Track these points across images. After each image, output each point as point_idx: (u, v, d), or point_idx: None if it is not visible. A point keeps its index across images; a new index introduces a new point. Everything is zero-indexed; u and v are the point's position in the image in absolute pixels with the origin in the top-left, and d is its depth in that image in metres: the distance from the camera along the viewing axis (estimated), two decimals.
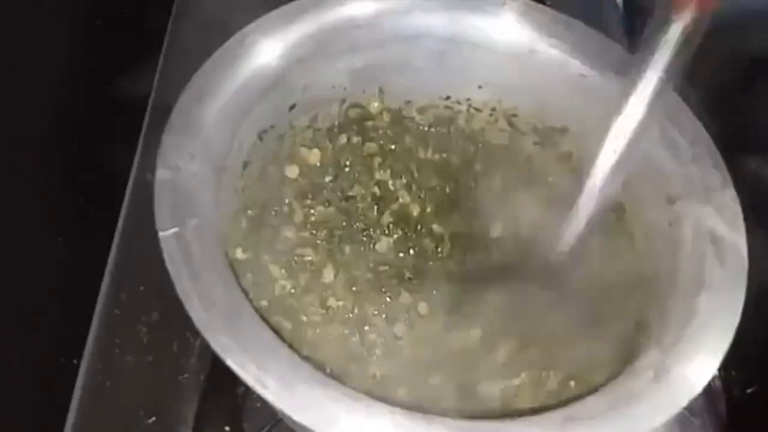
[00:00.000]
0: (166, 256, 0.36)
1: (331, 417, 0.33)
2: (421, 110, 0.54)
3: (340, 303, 0.49)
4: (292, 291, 0.48)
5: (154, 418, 0.55)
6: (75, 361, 0.57)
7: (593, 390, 0.37)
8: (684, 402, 0.35)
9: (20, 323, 0.51)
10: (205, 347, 0.34)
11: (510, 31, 0.50)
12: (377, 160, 0.52)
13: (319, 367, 0.40)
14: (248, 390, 0.33)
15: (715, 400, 0.53)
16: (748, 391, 0.56)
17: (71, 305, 0.58)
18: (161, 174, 0.39)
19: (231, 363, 0.33)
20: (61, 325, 0.57)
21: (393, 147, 0.53)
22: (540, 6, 0.50)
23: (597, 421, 0.34)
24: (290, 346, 0.35)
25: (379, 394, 0.35)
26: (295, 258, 0.49)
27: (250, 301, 0.37)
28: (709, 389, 0.53)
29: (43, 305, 0.54)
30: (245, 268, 0.45)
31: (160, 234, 0.36)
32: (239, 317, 0.35)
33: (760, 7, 0.59)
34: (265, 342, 0.35)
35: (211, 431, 0.54)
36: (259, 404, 0.54)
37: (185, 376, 0.57)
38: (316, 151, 0.50)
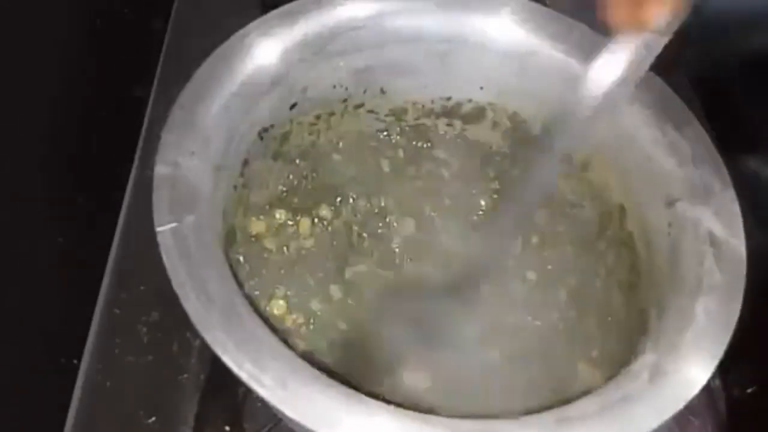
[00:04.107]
0: (163, 251, 0.36)
1: (327, 414, 0.33)
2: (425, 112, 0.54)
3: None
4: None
5: (154, 418, 0.54)
6: (75, 361, 0.57)
7: (588, 391, 0.36)
8: (679, 405, 0.35)
9: (20, 323, 0.51)
10: (205, 347, 0.34)
11: (510, 32, 0.50)
12: None
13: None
14: (249, 390, 0.33)
15: (715, 400, 0.53)
16: (748, 391, 0.56)
17: (71, 305, 0.58)
18: (160, 170, 0.39)
19: (226, 359, 0.33)
20: (61, 325, 0.57)
21: None
22: (540, 7, 0.50)
23: (591, 423, 0.34)
24: (286, 342, 0.35)
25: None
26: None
27: (247, 297, 0.37)
28: (709, 389, 0.53)
29: (43, 305, 0.54)
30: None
31: (158, 229, 0.36)
32: (236, 313, 0.35)
33: (761, 7, 0.59)
34: (261, 338, 0.35)
35: (211, 431, 0.54)
36: (259, 404, 0.54)
37: (185, 376, 0.56)
38: None
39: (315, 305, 0.47)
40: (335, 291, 0.48)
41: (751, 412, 0.55)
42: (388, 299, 0.49)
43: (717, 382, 0.54)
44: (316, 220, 0.50)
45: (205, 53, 0.45)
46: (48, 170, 0.56)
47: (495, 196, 0.53)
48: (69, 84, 0.58)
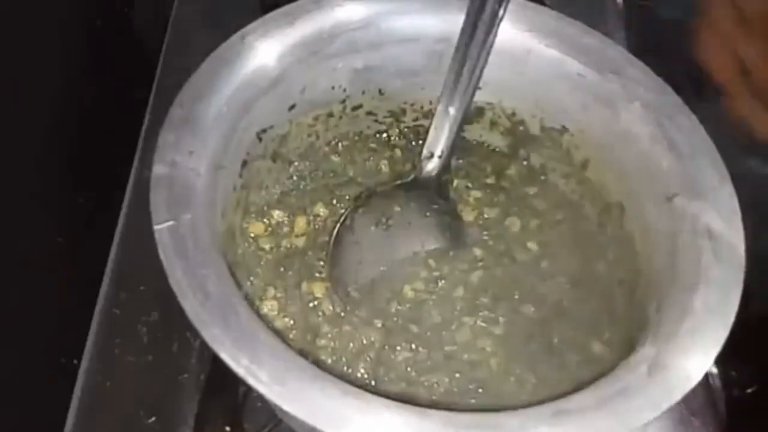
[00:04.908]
0: (160, 248, 0.36)
1: (324, 409, 0.33)
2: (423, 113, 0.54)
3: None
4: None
5: (154, 418, 0.55)
6: (75, 361, 0.57)
7: (585, 384, 0.36)
8: (677, 397, 0.35)
9: (20, 323, 0.51)
10: (205, 347, 0.34)
11: (508, 32, 0.49)
12: None
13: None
14: (249, 390, 0.34)
15: (715, 400, 0.53)
16: (748, 391, 0.56)
17: (71, 305, 0.58)
18: (158, 169, 0.39)
19: (223, 355, 0.33)
20: (61, 325, 0.57)
21: None
22: (537, 6, 0.50)
23: (588, 415, 0.34)
24: (283, 339, 0.35)
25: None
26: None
27: (245, 294, 0.37)
28: (709, 389, 0.53)
29: (43, 305, 0.54)
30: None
31: (155, 227, 0.36)
32: (233, 310, 0.35)
33: None
34: (257, 334, 0.35)
35: (210, 431, 0.54)
36: (259, 404, 0.54)
37: (185, 376, 0.57)
38: None
39: (301, 305, 0.47)
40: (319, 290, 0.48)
41: (751, 412, 0.55)
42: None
43: (717, 382, 0.54)
44: (311, 218, 0.50)
45: (205, 53, 0.45)
46: (47, 170, 0.56)
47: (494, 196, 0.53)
48: (69, 84, 0.58)
